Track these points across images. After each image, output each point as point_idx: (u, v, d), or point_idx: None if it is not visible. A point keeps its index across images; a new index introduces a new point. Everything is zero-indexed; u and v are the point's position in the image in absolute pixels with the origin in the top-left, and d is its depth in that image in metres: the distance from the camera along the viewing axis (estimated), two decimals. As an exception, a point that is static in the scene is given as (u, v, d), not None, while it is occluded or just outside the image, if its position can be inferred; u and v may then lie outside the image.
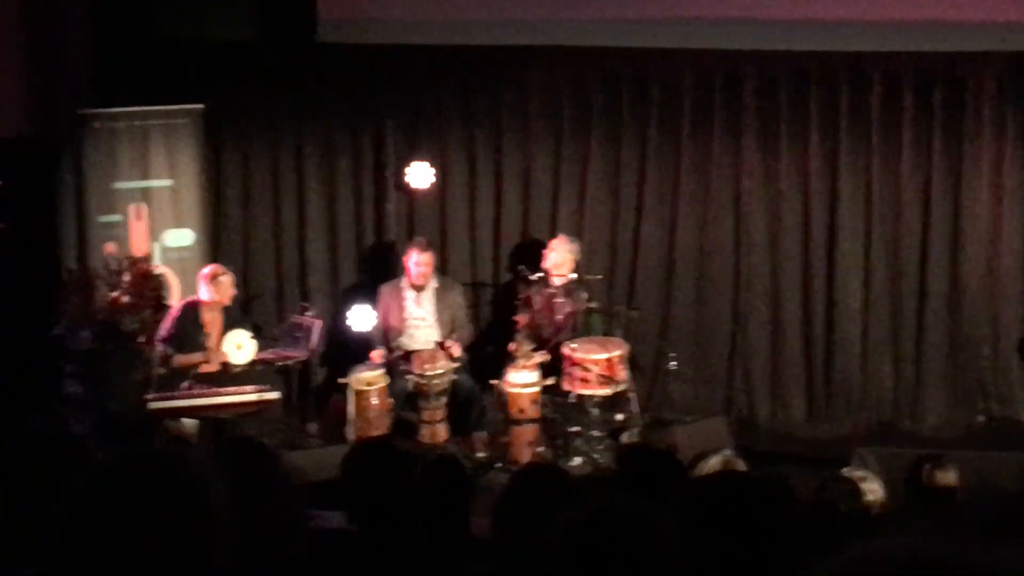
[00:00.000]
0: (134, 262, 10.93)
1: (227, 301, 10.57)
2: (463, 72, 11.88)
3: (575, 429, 10.36)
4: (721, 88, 11.45)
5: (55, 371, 10.75)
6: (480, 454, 10.43)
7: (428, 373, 10.50)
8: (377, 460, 4.83)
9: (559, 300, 10.88)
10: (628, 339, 10.95)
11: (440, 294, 11.12)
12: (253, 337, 10.50)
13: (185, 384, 10.31)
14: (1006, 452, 10.16)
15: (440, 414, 10.60)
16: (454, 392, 10.73)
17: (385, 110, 11.85)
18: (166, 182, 11.44)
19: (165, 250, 11.42)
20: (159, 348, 10.43)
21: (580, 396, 10.41)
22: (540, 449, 10.41)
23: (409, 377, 10.65)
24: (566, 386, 10.39)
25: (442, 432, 10.61)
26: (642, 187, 11.68)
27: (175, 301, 11.03)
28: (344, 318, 11.40)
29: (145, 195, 11.39)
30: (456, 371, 10.74)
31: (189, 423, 10.24)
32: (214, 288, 10.46)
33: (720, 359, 11.71)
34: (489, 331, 11.84)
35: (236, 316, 10.71)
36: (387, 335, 11.08)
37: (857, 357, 11.50)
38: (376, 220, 12.06)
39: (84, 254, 11.18)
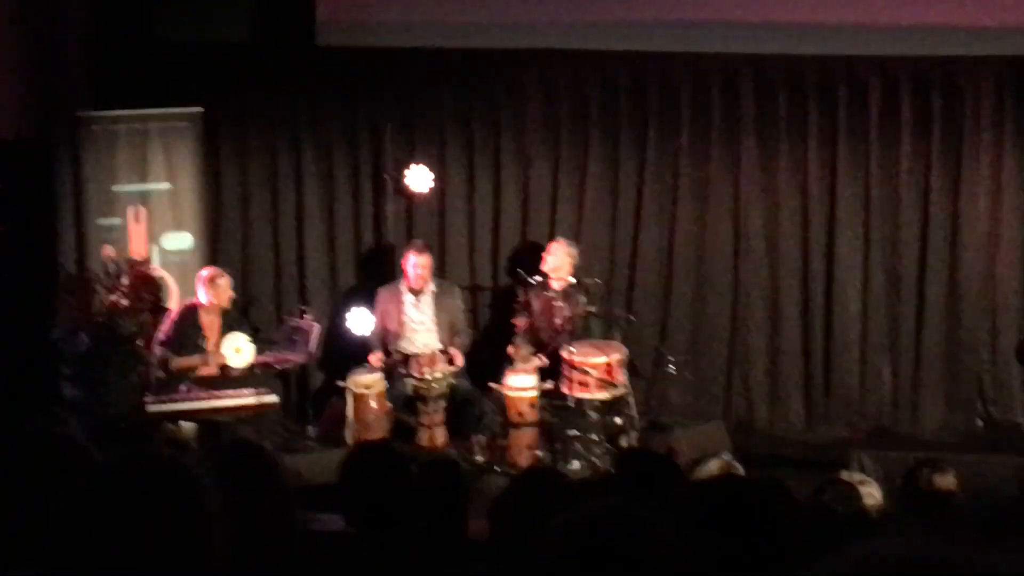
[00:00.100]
0: (133, 265, 10.93)
1: (225, 304, 10.57)
2: (461, 75, 11.88)
3: (574, 433, 10.35)
4: (719, 92, 11.46)
5: (53, 374, 10.74)
6: (479, 457, 10.41)
7: (427, 376, 10.50)
8: (375, 463, 4.83)
9: (558, 304, 10.89)
10: (627, 343, 10.96)
11: (439, 298, 11.12)
12: (251, 340, 10.51)
13: (183, 387, 10.31)
14: (1004, 456, 10.17)
15: (439, 417, 10.60)
16: (453, 395, 10.73)
17: (383, 113, 11.85)
18: (165, 185, 11.43)
19: (164, 253, 11.41)
20: (157, 351, 10.44)
21: (579, 400, 10.40)
22: (539, 453, 10.40)
23: (408, 380, 10.66)
24: (565, 390, 10.39)
25: (441, 435, 10.61)
26: (641, 190, 11.68)
27: (174, 304, 11.02)
28: (343, 321, 11.40)
29: (144, 198, 11.39)
30: (455, 375, 10.74)
31: (187, 426, 10.24)
32: (212, 291, 10.46)
33: (719, 363, 11.71)
34: (488, 335, 11.84)
35: (234, 319, 10.71)
36: (386, 339, 11.08)
37: (855, 361, 11.50)
38: (375, 223, 12.06)
39: (82, 257, 11.17)
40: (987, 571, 1.70)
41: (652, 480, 5.21)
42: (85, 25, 11.47)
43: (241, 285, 11.60)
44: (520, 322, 11.06)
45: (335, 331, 11.63)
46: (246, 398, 10.20)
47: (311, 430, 10.92)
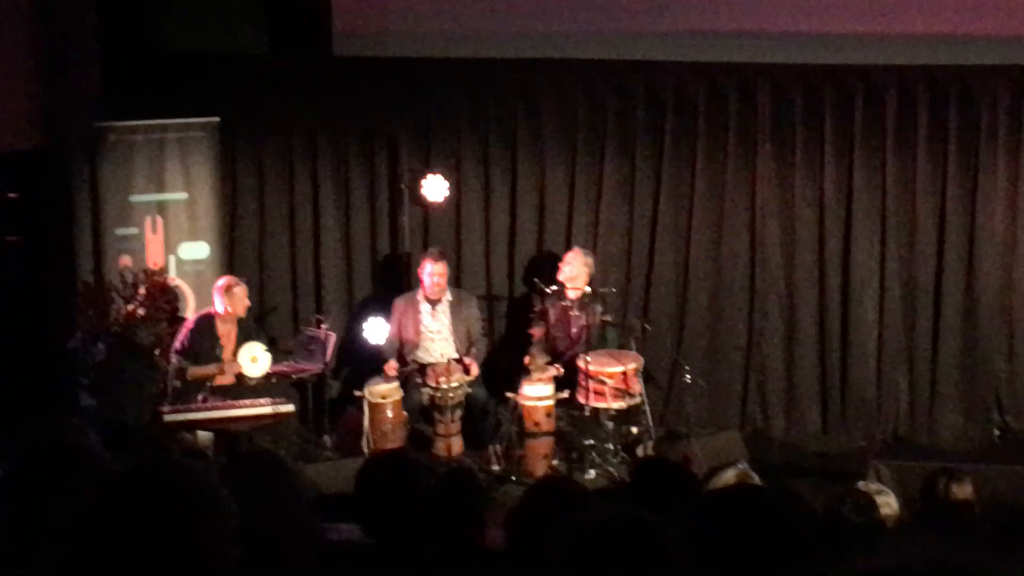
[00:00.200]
0: (149, 275, 10.95)
1: (241, 313, 10.59)
2: (477, 85, 11.90)
3: (590, 442, 10.36)
4: (735, 101, 11.45)
5: (70, 383, 10.77)
6: (495, 467, 10.42)
7: (443, 386, 10.50)
8: (392, 473, 4.83)
9: (574, 313, 10.90)
10: (643, 352, 10.95)
11: (455, 307, 11.13)
12: (268, 350, 10.53)
13: (200, 396, 10.33)
14: (1021, 465, 10.13)
15: (455, 427, 10.60)
16: (469, 405, 10.74)
17: (399, 123, 11.87)
18: (182, 195, 11.46)
19: (180, 263, 11.44)
20: (174, 360, 10.45)
21: (595, 409, 10.41)
22: (555, 462, 10.42)
23: (424, 390, 10.66)
24: (581, 399, 10.40)
25: (457, 445, 10.62)
26: (656, 200, 11.67)
27: (190, 314, 11.05)
28: (359, 330, 11.41)
29: (161, 208, 11.42)
30: (471, 384, 10.75)
31: (204, 435, 10.26)
32: (228, 300, 10.48)
33: (735, 372, 11.70)
34: (504, 344, 11.85)
35: (250, 328, 10.73)
36: (402, 348, 11.09)
37: (872, 370, 11.48)
38: (391, 233, 12.07)
39: (100, 267, 11.21)
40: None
41: (668, 489, 5.20)
42: (102, 36, 11.49)
43: (257, 294, 11.63)
44: (536, 331, 11.07)
45: (351, 340, 11.64)
46: (263, 407, 10.21)
47: (327, 439, 10.93)
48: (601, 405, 10.39)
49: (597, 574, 2.65)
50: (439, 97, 11.90)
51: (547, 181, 11.83)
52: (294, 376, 10.83)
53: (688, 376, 10.88)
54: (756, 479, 5.92)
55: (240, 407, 10.21)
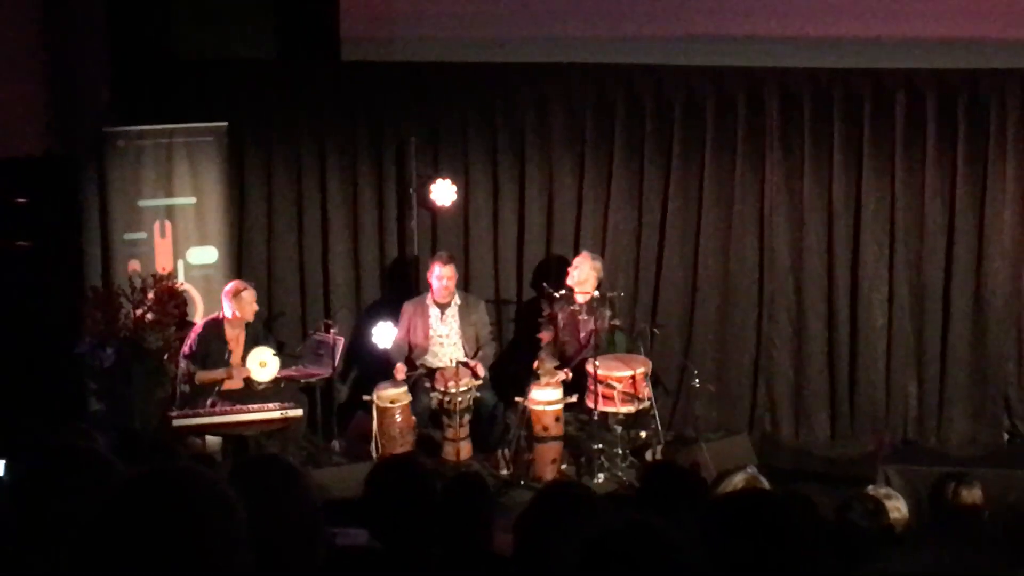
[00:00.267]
0: (158, 279, 10.96)
1: (249, 317, 10.59)
2: (485, 89, 11.90)
3: (598, 447, 10.35)
4: (744, 105, 11.44)
5: (79, 388, 10.79)
6: (503, 471, 10.42)
7: (452, 390, 10.50)
8: (401, 477, 4.83)
9: (583, 317, 10.90)
10: (651, 356, 10.95)
11: (464, 311, 11.13)
12: (276, 354, 10.54)
13: (209, 401, 10.34)
14: (1031, 470, 10.11)
15: (464, 431, 10.61)
16: (477, 409, 10.74)
17: (408, 127, 11.87)
18: (190, 199, 11.48)
19: (189, 267, 11.45)
20: (182, 365, 10.47)
21: (603, 413, 10.41)
22: (563, 467, 10.41)
23: (433, 394, 10.66)
24: (589, 403, 10.39)
25: (466, 449, 10.62)
26: (665, 204, 11.67)
27: (199, 318, 11.06)
28: (367, 335, 11.42)
29: (169, 212, 11.43)
30: (479, 388, 10.75)
31: (212, 440, 10.27)
32: (237, 304, 10.49)
33: (743, 376, 11.69)
34: (512, 348, 11.85)
35: (259, 332, 10.74)
36: (411, 352, 11.09)
37: (881, 375, 11.46)
38: (399, 238, 12.07)
39: (108, 272, 11.22)
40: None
41: (677, 494, 5.20)
42: (111, 41, 11.51)
43: (266, 299, 11.64)
44: (545, 336, 11.08)
45: (360, 345, 11.64)
46: (271, 412, 10.22)
47: (336, 444, 10.94)
48: (610, 409, 10.39)
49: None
50: (447, 101, 11.90)
51: (555, 185, 11.83)
52: (303, 380, 10.84)
53: (697, 380, 10.88)
54: (765, 483, 5.91)
55: (249, 412, 10.23)
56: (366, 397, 10.59)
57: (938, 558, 5.61)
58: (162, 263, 11.27)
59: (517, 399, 10.42)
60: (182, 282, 11.30)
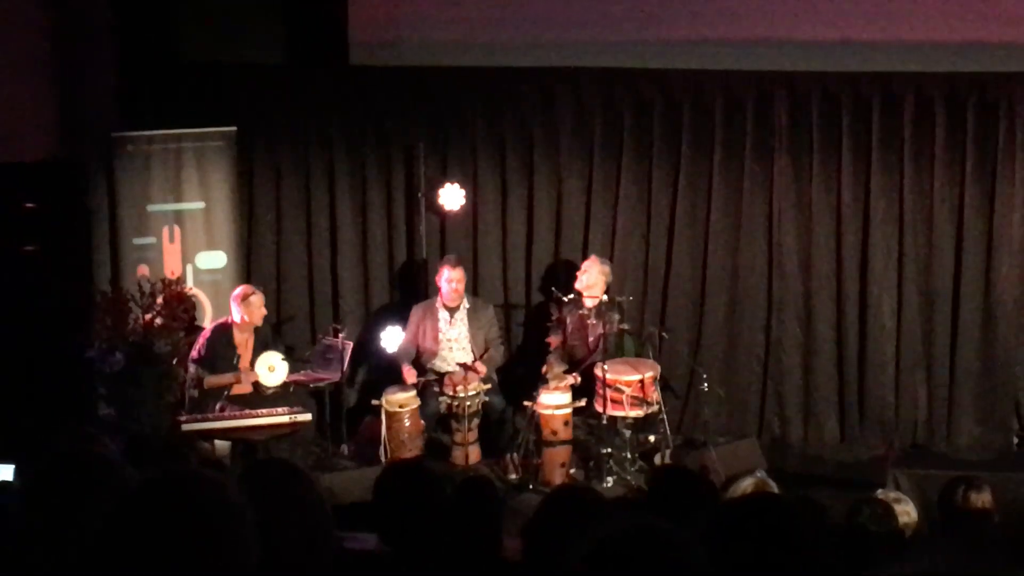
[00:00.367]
0: (167, 284, 10.97)
1: (258, 322, 10.60)
2: (494, 94, 11.90)
3: (607, 451, 10.35)
4: (752, 109, 11.44)
5: (88, 393, 10.79)
6: (512, 476, 10.41)
7: (460, 395, 10.50)
8: (409, 482, 4.83)
9: (591, 321, 10.89)
10: (660, 360, 10.94)
11: (472, 314, 11.13)
12: (285, 359, 10.54)
13: (217, 406, 10.35)
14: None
15: (472, 436, 10.61)
16: (486, 413, 10.75)
17: (416, 132, 11.87)
18: (199, 204, 11.49)
19: (198, 272, 11.46)
20: (191, 369, 10.47)
21: (612, 418, 10.40)
22: (572, 471, 10.41)
23: (441, 399, 10.66)
24: (598, 408, 10.38)
25: (474, 454, 10.63)
26: (674, 208, 11.66)
27: (207, 323, 11.06)
28: (376, 339, 11.42)
29: (178, 217, 11.45)
30: (488, 392, 10.75)
31: (221, 445, 10.27)
32: (245, 309, 10.49)
33: (752, 380, 11.68)
34: (521, 352, 11.85)
35: (267, 337, 10.74)
36: (421, 356, 11.09)
37: (890, 378, 11.45)
38: (408, 242, 12.07)
39: (117, 276, 11.23)
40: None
41: (686, 498, 5.20)
42: (120, 46, 11.52)
43: (275, 303, 11.64)
44: (553, 340, 11.08)
45: (369, 349, 11.65)
46: (280, 416, 10.22)
47: (345, 448, 10.93)
48: (619, 413, 10.38)
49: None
50: (455, 106, 11.90)
51: (564, 189, 11.83)
52: (311, 385, 10.84)
53: (706, 384, 10.88)
54: (774, 487, 5.91)
55: (257, 416, 10.23)
56: (375, 401, 10.59)
57: (948, 562, 5.60)
58: (171, 268, 11.29)
59: (526, 403, 10.41)
60: (191, 287, 11.31)
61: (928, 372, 11.46)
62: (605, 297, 10.82)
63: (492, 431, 10.82)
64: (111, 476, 3.27)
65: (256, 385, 10.47)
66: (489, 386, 10.80)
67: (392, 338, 11.27)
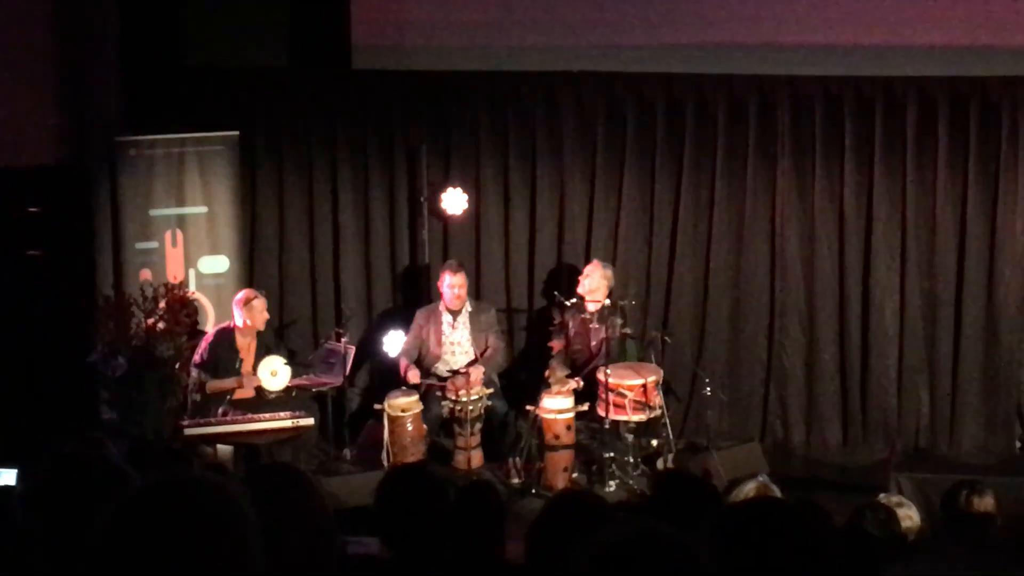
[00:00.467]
0: (169, 288, 10.97)
1: (261, 326, 10.60)
2: (497, 98, 11.90)
3: (610, 455, 10.34)
4: (755, 113, 11.44)
5: (91, 397, 10.79)
6: (515, 480, 10.42)
7: (463, 399, 10.50)
8: (412, 486, 4.83)
9: (594, 326, 10.90)
10: (663, 364, 10.94)
11: (474, 318, 11.14)
12: (287, 363, 10.54)
13: (220, 410, 10.35)
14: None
15: (475, 440, 10.61)
16: (488, 418, 10.74)
17: (419, 136, 11.88)
18: (201, 208, 11.49)
19: (200, 276, 11.47)
20: (194, 374, 10.48)
21: (615, 422, 10.40)
22: (575, 475, 10.41)
23: (444, 403, 10.66)
24: (600, 412, 10.38)
25: (477, 458, 10.62)
26: (676, 212, 11.66)
27: (210, 327, 11.07)
28: (379, 343, 11.42)
29: (180, 221, 11.45)
30: (491, 396, 10.75)
31: (224, 449, 10.27)
32: (247, 313, 10.50)
33: (755, 384, 11.68)
34: (524, 357, 11.85)
35: (270, 341, 10.74)
36: (424, 360, 11.09)
37: (893, 382, 11.45)
38: (411, 246, 12.07)
39: (120, 281, 11.23)
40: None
41: (688, 502, 5.19)
42: (123, 51, 11.53)
43: (277, 308, 11.65)
44: (556, 344, 11.08)
45: (371, 354, 11.65)
46: (282, 421, 10.22)
47: (347, 453, 10.93)
48: (621, 418, 10.38)
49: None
50: (458, 110, 11.91)
51: (566, 193, 11.83)
52: (314, 389, 10.83)
53: (708, 388, 10.88)
54: (777, 492, 5.90)
55: (260, 420, 10.22)
56: (377, 406, 10.59)
57: (950, 566, 5.60)
58: (173, 272, 11.29)
59: (528, 407, 10.41)
60: (193, 291, 11.32)
61: (931, 376, 11.45)
62: (607, 301, 10.82)
63: (495, 435, 10.82)
64: (114, 480, 3.27)
65: (259, 389, 10.47)
66: (492, 390, 10.80)
67: (394, 342, 11.27)
